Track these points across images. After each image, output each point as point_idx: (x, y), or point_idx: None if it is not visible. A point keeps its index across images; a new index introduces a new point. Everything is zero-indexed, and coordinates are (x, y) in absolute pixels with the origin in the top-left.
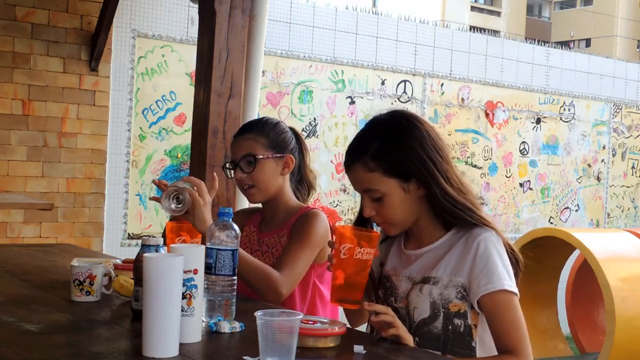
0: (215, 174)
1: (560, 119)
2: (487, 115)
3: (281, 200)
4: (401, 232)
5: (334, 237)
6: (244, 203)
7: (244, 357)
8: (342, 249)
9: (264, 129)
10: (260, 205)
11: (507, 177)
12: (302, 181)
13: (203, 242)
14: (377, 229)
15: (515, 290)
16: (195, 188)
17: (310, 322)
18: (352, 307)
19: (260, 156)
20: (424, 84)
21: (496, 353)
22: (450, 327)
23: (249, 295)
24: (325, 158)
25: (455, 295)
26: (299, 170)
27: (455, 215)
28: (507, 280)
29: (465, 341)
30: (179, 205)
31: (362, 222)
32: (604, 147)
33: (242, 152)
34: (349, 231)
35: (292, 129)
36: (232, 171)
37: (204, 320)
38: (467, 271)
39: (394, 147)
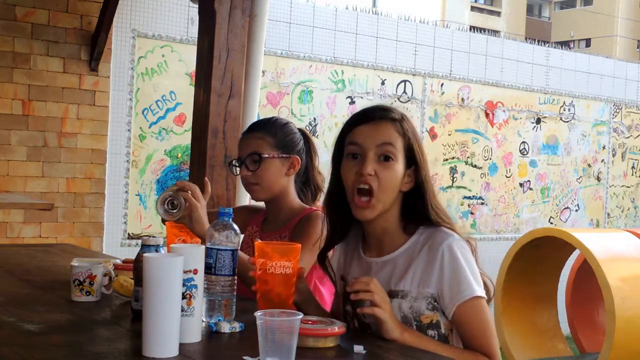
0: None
1: (560, 119)
2: (487, 115)
3: (285, 201)
4: (373, 217)
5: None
6: (243, 203)
7: (244, 357)
8: (258, 263)
9: (272, 128)
10: (263, 204)
11: (507, 177)
12: (308, 183)
13: (203, 242)
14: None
15: (483, 294)
16: (190, 192)
17: (310, 322)
18: None
19: (266, 155)
20: (424, 84)
21: None
22: None
23: (248, 295)
24: (325, 158)
25: (426, 307)
26: (305, 172)
27: (425, 211)
28: (475, 285)
29: None
30: (174, 210)
31: (336, 203)
32: (604, 147)
33: (248, 150)
34: (263, 246)
35: (301, 130)
36: (238, 168)
37: (204, 320)
38: (436, 281)
39: (412, 129)
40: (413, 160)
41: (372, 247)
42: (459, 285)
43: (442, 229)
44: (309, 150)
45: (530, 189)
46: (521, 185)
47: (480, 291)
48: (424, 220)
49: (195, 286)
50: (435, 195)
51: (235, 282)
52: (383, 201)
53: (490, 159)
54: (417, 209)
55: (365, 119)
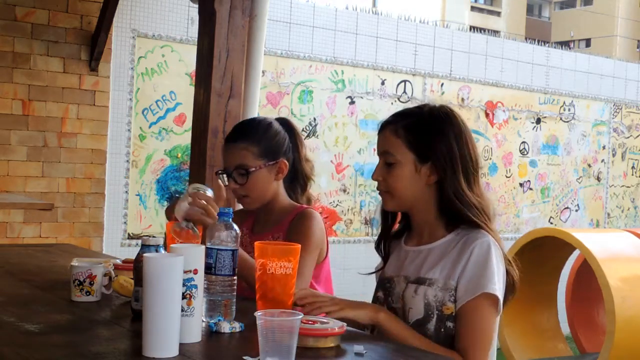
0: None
1: (560, 119)
2: (487, 115)
3: (275, 203)
4: (396, 209)
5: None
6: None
7: (244, 357)
8: (257, 263)
9: (255, 135)
10: None
11: (507, 177)
12: (296, 177)
13: (203, 242)
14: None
15: (500, 301)
16: (203, 209)
17: (310, 322)
18: None
19: (253, 168)
20: (424, 84)
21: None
22: (442, 330)
23: (248, 295)
24: (325, 158)
25: (449, 299)
26: (293, 165)
27: (458, 210)
28: (497, 284)
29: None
30: (194, 226)
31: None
32: (604, 147)
33: (234, 162)
34: (263, 246)
35: (284, 122)
36: (226, 177)
37: (204, 320)
38: (459, 272)
39: (430, 128)
40: (427, 154)
41: (413, 237)
42: (481, 278)
43: (481, 231)
44: (295, 142)
45: (530, 189)
46: (521, 185)
47: (499, 293)
48: (463, 217)
49: (195, 286)
50: (466, 189)
51: (235, 282)
52: (399, 196)
53: (490, 159)
54: (451, 202)
55: (379, 130)
